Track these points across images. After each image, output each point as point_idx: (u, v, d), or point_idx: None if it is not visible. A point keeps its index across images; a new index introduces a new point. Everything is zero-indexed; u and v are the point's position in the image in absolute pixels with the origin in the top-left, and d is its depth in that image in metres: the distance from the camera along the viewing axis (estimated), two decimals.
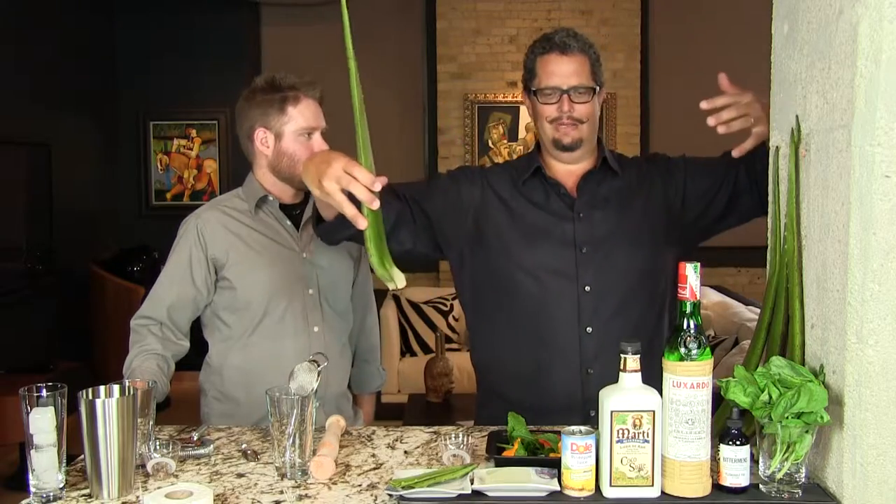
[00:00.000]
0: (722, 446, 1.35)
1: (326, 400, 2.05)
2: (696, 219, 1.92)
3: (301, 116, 2.03)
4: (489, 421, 1.79)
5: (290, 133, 2.03)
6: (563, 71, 1.85)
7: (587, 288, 1.84)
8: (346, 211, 1.52)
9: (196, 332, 2.11)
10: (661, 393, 1.34)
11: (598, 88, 1.90)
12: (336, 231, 1.79)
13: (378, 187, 1.52)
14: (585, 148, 1.90)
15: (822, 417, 1.28)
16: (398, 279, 1.56)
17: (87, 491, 1.41)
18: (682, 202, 1.91)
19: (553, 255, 1.86)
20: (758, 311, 1.60)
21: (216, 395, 2.11)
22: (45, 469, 1.37)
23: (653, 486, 1.33)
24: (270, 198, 2.08)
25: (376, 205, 1.52)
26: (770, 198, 1.57)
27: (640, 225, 1.88)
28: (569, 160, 1.92)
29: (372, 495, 1.39)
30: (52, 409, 1.38)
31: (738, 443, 1.34)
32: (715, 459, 1.37)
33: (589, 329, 1.83)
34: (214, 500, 1.36)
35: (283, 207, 2.10)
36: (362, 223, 1.52)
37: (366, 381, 2.37)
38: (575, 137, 1.86)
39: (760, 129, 1.71)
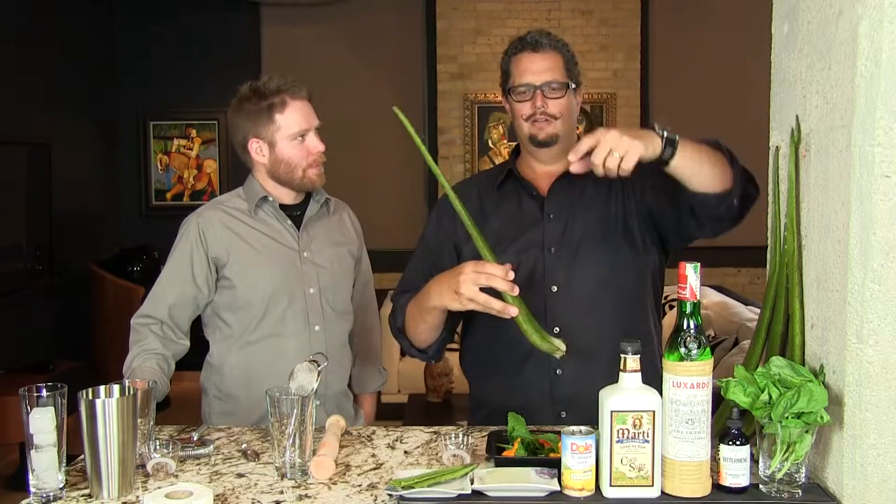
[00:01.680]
0: (722, 446, 1.35)
1: (327, 399, 2.05)
2: (648, 229, 1.87)
3: (290, 121, 2.02)
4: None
5: (282, 140, 2.02)
6: (535, 68, 1.86)
7: (554, 288, 1.83)
8: (495, 306, 1.57)
9: (196, 331, 2.11)
10: (661, 393, 1.34)
11: (572, 85, 1.89)
12: (442, 345, 1.87)
13: (513, 275, 1.56)
14: (562, 145, 1.89)
15: (822, 417, 1.28)
16: (561, 345, 1.60)
17: (87, 491, 1.41)
18: (635, 211, 1.87)
19: (521, 257, 1.85)
20: (758, 311, 1.60)
21: (217, 394, 2.11)
22: (45, 469, 1.37)
23: (653, 486, 1.33)
24: (270, 198, 2.09)
25: (517, 291, 1.56)
26: (770, 198, 1.57)
27: (613, 226, 1.86)
28: (546, 158, 1.91)
29: (372, 495, 1.39)
30: (52, 409, 1.38)
31: (738, 443, 1.34)
32: (715, 459, 1.37)
33: (556, 329, 1.81)
34: (214, 500, 1.36)
35: (284, 207, 2.10)
36: (514, 311, 1.57)
37: (366, 381, 2.37)
38: (549, 133, 1.86)
39: (635, 152, 1.50)
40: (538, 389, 1.84)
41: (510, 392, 1.85)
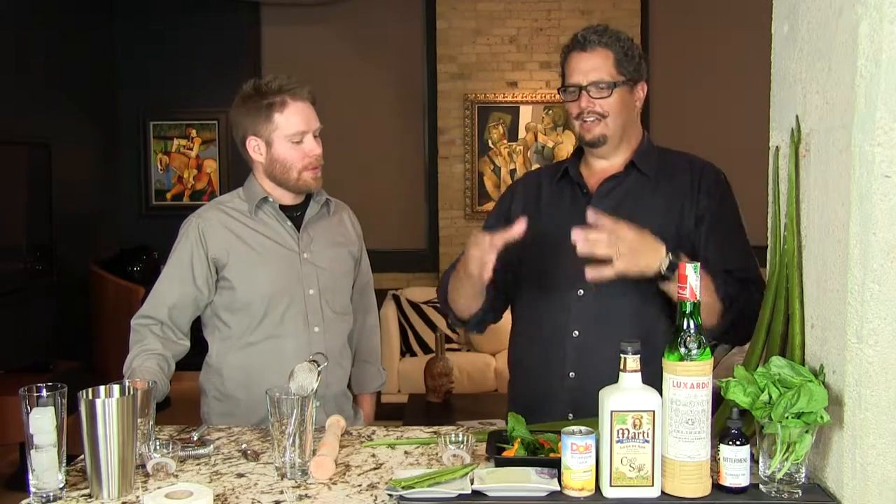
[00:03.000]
0: (722, 446, 1.35)
1: (326, 400, 2.05)
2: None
3: (288, 122, 2.01)
4: None
5: (279, 140, 2.02)
6: (582, 67, 1.85)
7: (580, 293, 1.82)
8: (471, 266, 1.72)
9: (196, 331, 2.11)
10: (661, 393, 1.34)
11: (624, 82, 1.85)
12: (483, 320, 1.96)
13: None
14: (613, 144, 1.87)
15: (822, 417, 1.28)
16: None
17: (87, 491, 1.41)
18: (689, 235, 1.83)
19: (556, 256, 1.84)
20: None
21: (216, 394, 2.10)
22: (45, 469, 1.37)
23: (653, 486, 1.33)
24: (270, 199, 2.08)
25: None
26: (770, 198, 1.57)
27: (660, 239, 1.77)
28: (601, 156, 1.90)
29: (372, 495, 1.39)
30: (52, 409, 1.38)
31: (738, 443, 1.34)
32: (715, 459, 1.37)
33: (575, 333, 1.82)
34: (214, 500, 1.36)
35: (284, 208, 2.10)
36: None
37: (366, 382, 2.37)
38: (597, 134, 1.85)
39: (620, 266, 1.60)
40: (547, 393, 1.84)
41: (524, 392, 1.90)
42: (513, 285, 1.96)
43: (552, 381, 1.84)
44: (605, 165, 1.91)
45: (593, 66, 1.84)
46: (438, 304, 2.04)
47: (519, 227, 1.66)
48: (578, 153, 1.97)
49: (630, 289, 1.78)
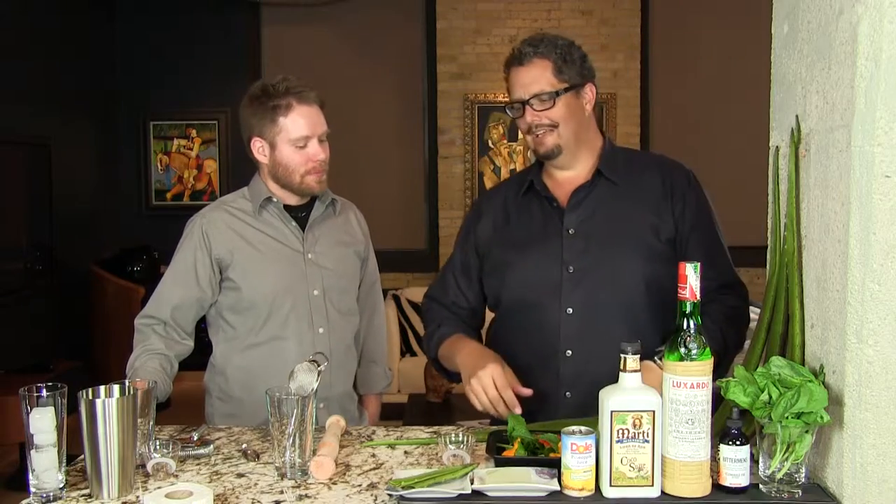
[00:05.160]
0: (722, 446, 1.35)
1: (331, 401, 2.04)
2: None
3: (293, 127, 1.99)
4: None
5: (283, 143, 2.00)
6: (522, 81, 1.82)
7: (569, 311, 1.78)
8: (491, 411, 1.69)
9: (198, 332, 2.10)
10: (661, 393, 1.34)
11: (567, 88, 1.80)
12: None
13: (518, 411, 1.65)
14: (570, 152, 1.84)
15: (822, 417, 1.29)
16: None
17: (87, 491, 1.41)
18: (670, 239, 1.82)
19: (538, 273, 1.81)
20: (758, 311, 1.60)
21: (220, 395, 2.10)
22: (45, 469, 1.37)
23: (653, 486, 1.33)
24: (275, 199, 2.08)
25: (518, 411, 1.65)
26: (770, 198, 1.57)
27: (640, 244, 1.80)
28: (560, 167, 1.87)
29: (372, 495, 1.39)
30: (52, 409, 1.38)
31: (738, 443, 1.34)
32: (715, 459, 1.37)
33: (568, 353, 1.78)
34: (214, 500, 1.36)
35: (289, 208, 2.09)
36: (518, 410, 1.66)
37: (372, 382, 2.36)
38: (550, 145, 1.82)
39: None
40: (543, 410, 1.79)
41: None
42: (488, 302, 1.96)
43: (545, 403, 1.78)
44: (569, 175, 1.87)
45: (532, 79, 1.80)
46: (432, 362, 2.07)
47: (527, 392, 1.69)
48: (539, 163, 1.93)
49: (618, 306, 1.78)
